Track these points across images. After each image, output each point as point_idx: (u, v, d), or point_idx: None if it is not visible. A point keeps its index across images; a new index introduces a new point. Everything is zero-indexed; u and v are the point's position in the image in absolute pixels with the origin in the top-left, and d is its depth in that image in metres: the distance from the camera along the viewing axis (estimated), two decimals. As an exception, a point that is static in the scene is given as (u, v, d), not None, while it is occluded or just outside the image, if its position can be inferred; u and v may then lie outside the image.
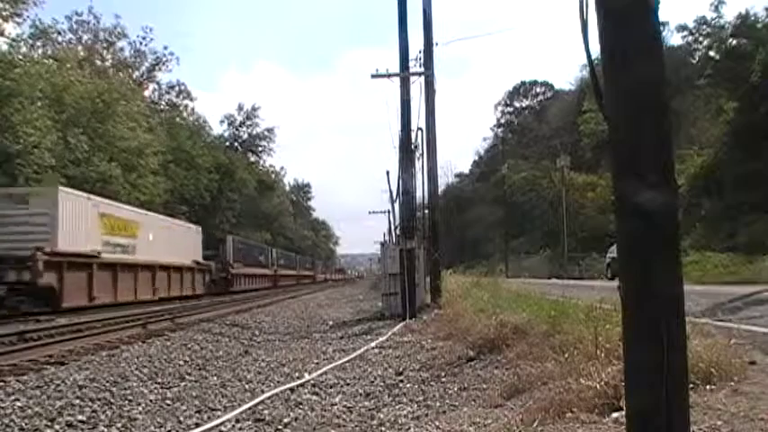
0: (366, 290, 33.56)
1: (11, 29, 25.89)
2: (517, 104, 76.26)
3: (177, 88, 47.07)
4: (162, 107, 45.22)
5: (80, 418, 4.98)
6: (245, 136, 59.47)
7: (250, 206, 54.03)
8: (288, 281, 49.60)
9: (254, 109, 59.49)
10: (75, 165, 26.33)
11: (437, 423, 4.36)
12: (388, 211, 30.56)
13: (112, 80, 34.50)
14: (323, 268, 79.35)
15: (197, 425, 4.81)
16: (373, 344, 9.20)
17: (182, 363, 8.01)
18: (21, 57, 25.21)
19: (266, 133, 60.27)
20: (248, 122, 59.24)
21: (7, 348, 8.53)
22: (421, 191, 20.26)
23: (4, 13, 24.25)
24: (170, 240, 24.59)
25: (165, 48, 45.72)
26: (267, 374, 7.10)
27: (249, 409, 5.24)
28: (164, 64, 44.22)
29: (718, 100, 31.37)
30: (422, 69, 15.28)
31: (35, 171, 22.18)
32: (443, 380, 6.05)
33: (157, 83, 45.79)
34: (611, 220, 26.56)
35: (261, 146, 60.72)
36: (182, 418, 5.03)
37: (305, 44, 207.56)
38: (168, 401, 5.68)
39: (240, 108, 59.52)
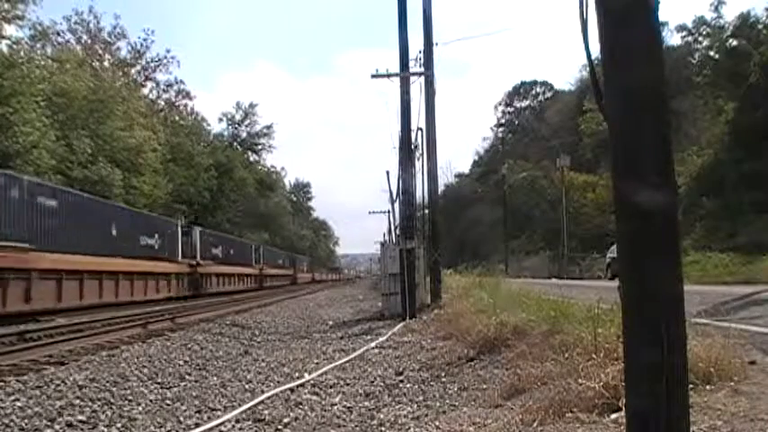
0: (366, 290, 33.56)
1: (12, 31, 26.01)
2: (517, 104, 76.31)
3: (176, 87, 47.14)
4: (161, 106, 45.25)
5: (80, 418, 4.98)
6: (244, 134, 59.52)
7: (250, 206, 53.98)
8: (233, 285, 32.92)
9: (251, 106, 59.54)
10: (80, 166, 26.37)
11: (437, 423, 4.36)
12: (388, 211, 30.58)
13: (111, 80, 34.55)
14: (308, 266, 65.53)
15: (197, 425, 4.81)
16: (373, 344, 9.20)
17: (182, 363, 8.01)
18: (21, 57, 25.22)
19: (265, 130, 60.36)
20: (247, 121, 59.31)
21: (7, 348, 8.54)
22: (421, 191, 20.27)
23: (4, 15, 24.28)
24: None
25: (168, 51, 45.85)
26: (267, 374, 7.10)
27: (249, 409, 5.24)
28: (164, 66, 44.31)
29: (718, 100, 31.38)
30: (422, 69, 15.29)
31: (36, 171, 22.17)
32: (443, 380, 6.04)
33: (156, 82, 45.89)
34: (611, 220, 26.63)
35: (260, 143, 60.77)
36: (182, 418, 5.03)
37: (304, 44, 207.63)
38: (168, 401, 5.68)
39: (239, 106, 59.61)
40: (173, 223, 26.39)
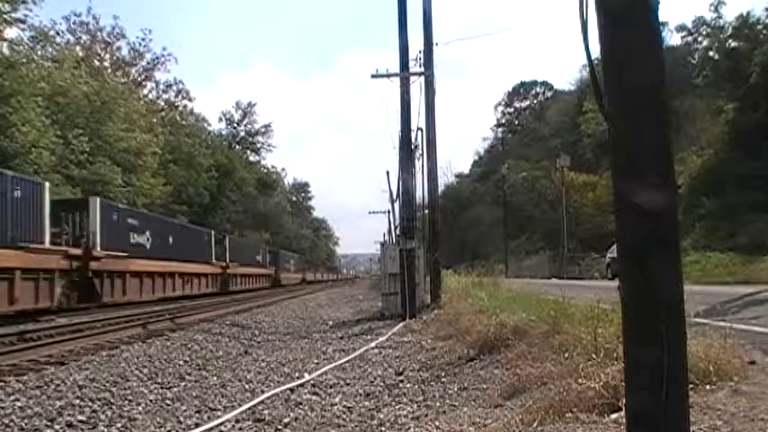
0: (366, 290, 33.56)
1: (14, 34, 26.07)
2: (517, 105, 76.46)
3: (175, 87, 47.16)
4: (161, 106, 45.28)
5: (80, 418, 4.98)
6: (243, 133, 59.68)
7: (250, 206, 53.97)
8: (171, 288, 23.59)
9: (250, 105, 59.79)
10: (76, 165, 26.35)
11: (437, 423, 4.36)
12: (388, 211, 30.59)
13: (110, 80, 34.56)
14: (297, 265, 57.20)
15: (197, 425, 4.81)
16: (373, 344, 9.21)
17: (182, 363, 8.01)
18: (22, 58, 25.27)
19: (263, 129, 60.59)
20: (246, 120, 59.50)
21: (7, 348, 8.54)
22: (421, 191, 20.29)
23: (6, 17, 24.31)
24: None
25: (164, 49, 45.94)
26: (267, 374, 7.10)
27: (249, 409, 5.24)
28: (162, 64, 44.35)
29: (718, 100, 31.41)
30: (422, 69, 15.28)
31: (35, 171, 22.16)
32: (443, 380, 6.04)
33: (155, 81, 45.91)
34: (611, 220, 26.61)
35: (259, 142, 60.94)
36: (182, 418, 5.03)
37: (304, 44, 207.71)
38: (168, 401, 5.68)
39: (238, 105, 59.83)
40: (30, 182, 15.50)
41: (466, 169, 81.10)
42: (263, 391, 6.00)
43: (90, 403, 5.48)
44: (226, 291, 30.49)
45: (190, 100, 48.42)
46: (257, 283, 39.06)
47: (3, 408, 5.19)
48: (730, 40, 29.69)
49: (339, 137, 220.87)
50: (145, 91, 44.17)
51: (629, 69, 1.91)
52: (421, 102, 15.36)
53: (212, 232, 31.65)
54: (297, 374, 6.97)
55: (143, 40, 42.48)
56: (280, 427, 4.74)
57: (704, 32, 31.96)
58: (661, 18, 2.01)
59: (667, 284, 1.89)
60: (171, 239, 24.29)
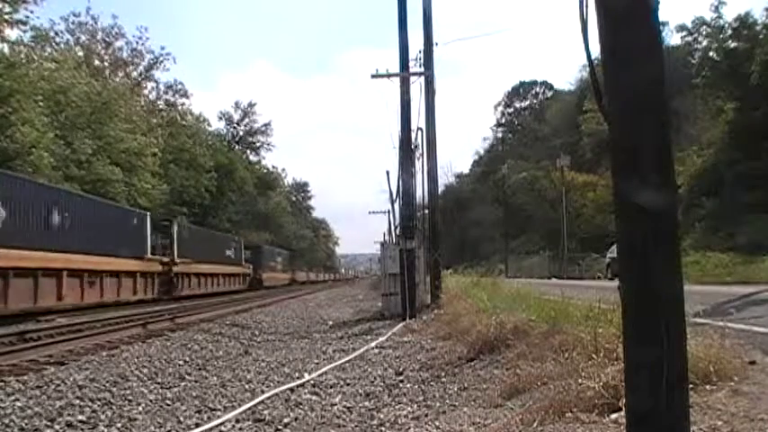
0: (366, 290, 33.57)
1: (14, 34, 26.11)
2: (517, 105, 76.52)
3: (174, 87, 47.12)
4: (161, 107, 45.27)
5: (80, 418, 4.98)
6: (242, 132, 59.74)
7: (250, 206, 53.96)
8: (55, 293, 15.44)
9: (250, 105, 59.85)
10: (77, 166, 26.35)
11: (437, 423, 4.36)
12: (388, 211, 30.58)
13: (110, 80, 34.59)
14: (286, 263, 50.16)
15: (197, 425, 4.81)
16: (373, 344, 9.21)
17: (182, 363, 8.01)
18: (22, 59, 25.29)
19: (263, 128, 60.70)
20: (245, 120, 59.59)
21: (7, 348, 8.54)
22: (421, 191, 20.30)
23: (6, 17, 24.33)
24: None
25: (163, 48, 45.92)
26: (267, 374, 7.10)
27: (249, 409, 5.24)
28: (161, 63, 44.32)
29: (718, 100, 31.43)
30: (422, 69, 15.28)
31: (34, 171, 22.15)
32: (443, 380, 6.04)
33: (156, 81, 45.88)
34: (611, 220, 26.63)
35: (258, 141, 61.01)
36: (182, 418, 5.03)
37: (304, 44, 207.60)
38: (168, 401, 5.68)
39: (237, 106, 59.86)
40: None
41: (466, 169, 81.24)
42: (263, 391, 6.00)
43: (90, 403, 5.47)
44: (169, 296, 23.18)
45: (187, 97, 48.33)
46: (226, 284, 31.81)
47: (3, 408, 5.19)
48: (730, 41, 29.66)
49: (339, 137, 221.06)
50: (145, 92, 44.20)
51: (629, 69, 1.91)
52: (421, 102, 15.38)
53: (148, 215, 23.11)
54: (297, 374, 6.97)
55: (139, 38, 42.47)
56: (280, 427, 4.74)
57: (704, 32, 31.90)
58: (661, 18, 2.01)
59: (667, 284, 1.89)
60: (57, 219, 16.26)
